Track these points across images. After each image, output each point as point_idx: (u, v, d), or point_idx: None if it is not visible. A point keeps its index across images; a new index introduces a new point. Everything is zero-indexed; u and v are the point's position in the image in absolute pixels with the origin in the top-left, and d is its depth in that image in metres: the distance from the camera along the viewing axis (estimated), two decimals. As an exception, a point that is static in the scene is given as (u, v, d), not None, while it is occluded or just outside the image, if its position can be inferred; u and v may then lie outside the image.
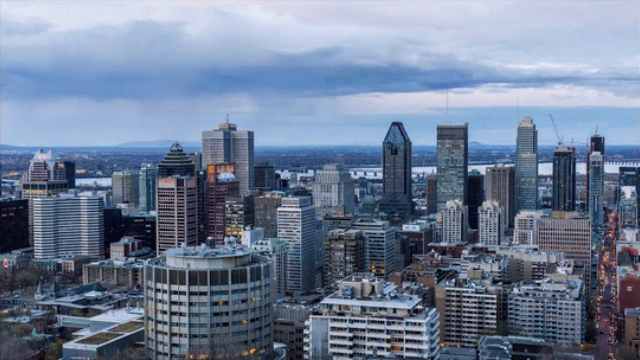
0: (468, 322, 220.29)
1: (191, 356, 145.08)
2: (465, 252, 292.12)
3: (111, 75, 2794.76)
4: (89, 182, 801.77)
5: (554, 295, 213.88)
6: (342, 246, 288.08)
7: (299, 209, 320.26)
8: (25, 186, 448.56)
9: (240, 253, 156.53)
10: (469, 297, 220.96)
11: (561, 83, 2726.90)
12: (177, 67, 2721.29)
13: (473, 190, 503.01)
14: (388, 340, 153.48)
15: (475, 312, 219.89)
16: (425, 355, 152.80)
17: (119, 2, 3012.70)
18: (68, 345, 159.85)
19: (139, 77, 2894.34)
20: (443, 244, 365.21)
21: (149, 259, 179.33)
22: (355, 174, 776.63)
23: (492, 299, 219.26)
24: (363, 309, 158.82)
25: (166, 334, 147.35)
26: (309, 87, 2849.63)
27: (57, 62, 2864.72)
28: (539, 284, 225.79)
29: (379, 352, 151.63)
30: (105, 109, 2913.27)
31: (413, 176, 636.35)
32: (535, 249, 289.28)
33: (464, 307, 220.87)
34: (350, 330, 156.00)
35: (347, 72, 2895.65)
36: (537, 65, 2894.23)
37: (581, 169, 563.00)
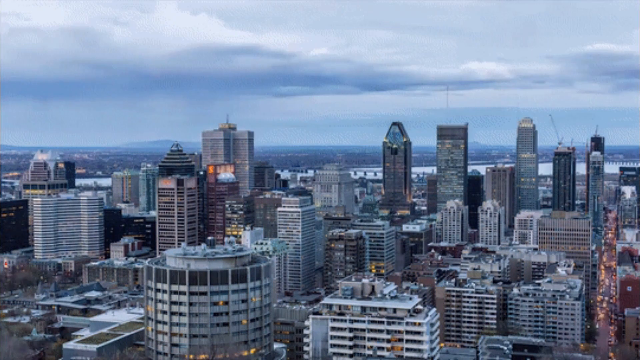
0: (468, 322, 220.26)
1: (191, 356, 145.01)
2: (465, 252, 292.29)
3: (48, 77, 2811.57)
4: (89, 182, 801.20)
5: (554, 295, 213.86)
6: (342, 246, 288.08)
7: (299, 209, 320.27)
8: (25, 186, 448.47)
9: (240, 253, 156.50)
10: (469, 297, 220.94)
11: (484, 86, 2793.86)
12: (109, 69, 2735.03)
13: (473, 190, 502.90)
14: (388, 340, 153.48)
15: (475, 312, 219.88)
16: (425, 355, 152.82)
17: (36, 2, 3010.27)
18: (68, 345, 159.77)
19: (73, 80, 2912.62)
20: (443, 244, 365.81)
21: (149, 259, 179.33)
22: (355, 174, 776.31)
23: (492, 299, 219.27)
24: (363, 309, 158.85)
25: (166, 334, 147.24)
26: (235, 88, 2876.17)
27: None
28: (539, 284, 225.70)
29: (379, 352, 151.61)
30: (47, 110, 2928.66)
31: (413, 176, 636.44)
32: (535, 249, 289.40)
33: (464, 307, 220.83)
34: (351, 330, 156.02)
35: (266, 74, 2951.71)
36: (460, 68, 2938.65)
37: (581, 169, 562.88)
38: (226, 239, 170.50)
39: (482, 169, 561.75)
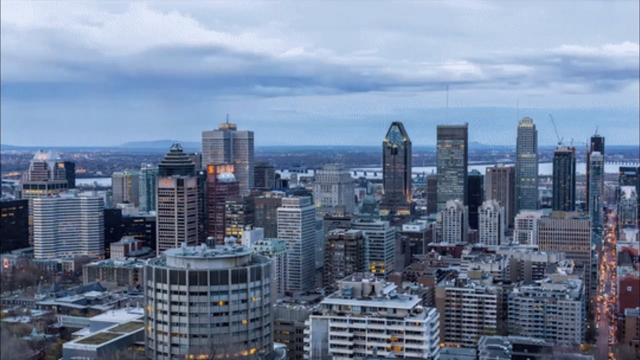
0: (468, 322, 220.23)
1: (191, 356, 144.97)
2: (465, 252, 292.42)
3: (29, 79, 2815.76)
4: (89, 182, 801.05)
5: (554, 295, 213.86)
6: (342, 246, 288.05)
7: (299, 209, 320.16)
8: (25, 186, 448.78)
9: (240, 253, 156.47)
10: (469, 297, 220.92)
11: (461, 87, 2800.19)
12: (91, 71, 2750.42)
13: (473, 190, 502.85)
14: (388, 340, 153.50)
15: (475, 312, 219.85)
16: (425, 355, 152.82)
17: (12, 4, 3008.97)
18: (68, 345, 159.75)
19: (53, 81, 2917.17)
20: (443, 244, 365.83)
21: (149, 259, 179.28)
22: (355, 174, 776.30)
23: (492, 299, 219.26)
24: (363, 309, 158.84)
25: (166, 334, 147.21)
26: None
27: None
28: (539, 284, 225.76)
29: (379, 352, 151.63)
30: (27, 110, 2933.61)
31: (413, 176, 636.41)
32: (535, 249, 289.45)
33: (464, 307, 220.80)
34: (351, 330, 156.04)
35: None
36: (437, 70, 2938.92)
37: (581, 169, 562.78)
38: (226, 239, 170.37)
39: (482, 169, 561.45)
